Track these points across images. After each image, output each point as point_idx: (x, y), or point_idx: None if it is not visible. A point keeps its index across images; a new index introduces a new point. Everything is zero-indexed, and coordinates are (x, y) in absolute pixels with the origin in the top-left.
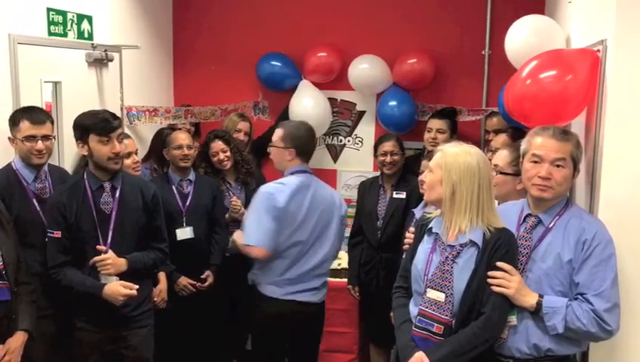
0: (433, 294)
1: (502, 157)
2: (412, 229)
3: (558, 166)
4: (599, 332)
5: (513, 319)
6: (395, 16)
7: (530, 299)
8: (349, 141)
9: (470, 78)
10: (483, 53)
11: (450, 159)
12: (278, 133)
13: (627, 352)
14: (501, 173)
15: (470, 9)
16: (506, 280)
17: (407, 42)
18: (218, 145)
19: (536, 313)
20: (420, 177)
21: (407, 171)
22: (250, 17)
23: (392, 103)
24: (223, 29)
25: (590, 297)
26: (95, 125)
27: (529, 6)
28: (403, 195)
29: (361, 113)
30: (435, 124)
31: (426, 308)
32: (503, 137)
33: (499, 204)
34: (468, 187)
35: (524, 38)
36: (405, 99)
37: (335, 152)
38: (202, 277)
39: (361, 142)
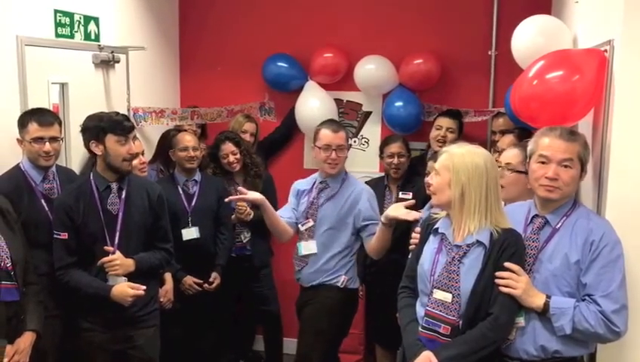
0: (440, 294)
1: (514, 155)
2: (418, 229)
3: (565, 166)
4: (607, 333)
5: (521, 320)
6: (400, 16)
7: (537, 300)
8: (354, 142)
9: (476, 79)
10: (489, 53)
11: (457, 160)
12: (345, 136)
13: (635, 354)
14: (514, 171)
15: (476, 9)
16: (513, 281)
17: (413, 43)
18: (228, 147)
19: (543, 314)
20: (427, 179)
21: (412, 172)
22: (256, 19)
23: (398, 104)
24: (228, 30)
25: (598, 298)
26: (114, 126)
27: (535, 6)
28: (409, 196)
29: (367, 114)
30: (445, 122)
31: (433, 308)
32: (509, 138)
33: (505, 204)
34: (476, 188)
35: (531, 38)
36: (411, 99)
37: None
38: (210, 280)
39: (367, 142)
